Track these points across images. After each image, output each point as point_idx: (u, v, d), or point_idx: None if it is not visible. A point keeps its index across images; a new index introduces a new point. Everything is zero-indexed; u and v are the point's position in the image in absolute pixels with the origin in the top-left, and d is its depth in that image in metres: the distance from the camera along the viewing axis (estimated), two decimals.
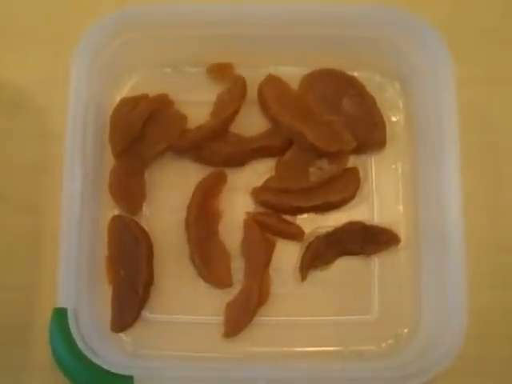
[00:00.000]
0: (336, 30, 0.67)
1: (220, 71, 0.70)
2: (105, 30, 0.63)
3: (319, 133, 0.66)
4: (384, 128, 0.68)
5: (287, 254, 0.66)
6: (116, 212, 0.67)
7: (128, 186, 0.67)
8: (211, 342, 0.64)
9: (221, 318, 0.64)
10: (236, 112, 0.68)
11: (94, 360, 0.56)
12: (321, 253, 0.66)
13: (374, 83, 0.70)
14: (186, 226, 0.66)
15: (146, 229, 0.66)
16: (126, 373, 0.56)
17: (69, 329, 0.57)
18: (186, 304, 0.66)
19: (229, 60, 0.69)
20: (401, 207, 0.67)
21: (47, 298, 0.63)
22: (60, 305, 0.57)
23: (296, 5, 0.66)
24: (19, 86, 0.72)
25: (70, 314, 0.57)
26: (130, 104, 0.68)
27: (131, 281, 0.64)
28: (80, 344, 0.56)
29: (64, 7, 0.74)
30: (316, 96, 0.69)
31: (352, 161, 0.67)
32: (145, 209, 0.68)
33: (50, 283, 0.61)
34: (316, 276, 0.65)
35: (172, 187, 0.68)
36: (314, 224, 0.66)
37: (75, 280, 0.58)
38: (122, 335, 0.64)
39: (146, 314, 0.65)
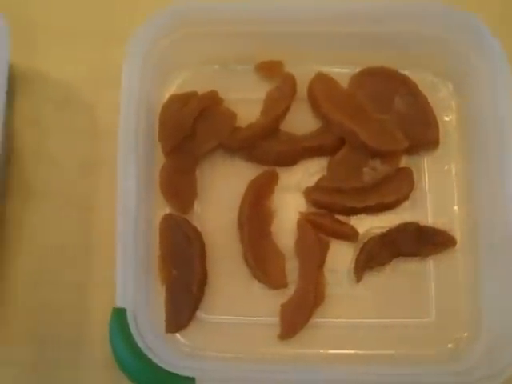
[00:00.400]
0: (388, 28, 0.66)
1: (269, 69, 0.70)
2: (155, 28, 0.63)
3: (371, 131, 0.65)
4: (437, 127, 0.67)
5: (341, 255, 0.64)
6: (167, 211, 0.66)
7: (179, 184, 0.66)
8: (266, 343, 0.64)
9: (275, 319, 0.64)
10: (286, 110, 0.67)
11: (157, 361, 0.55)
12: (375, 254, 0.65)
13: (427, 83, 0.69)
14: (238, 225, 0.65)
15: (198, 227, 0.65)
16: (189, 374, 0.55)
17: (128, 328, 0.56)
18: (239, 304, 0.65)
19: (277, 58, 0.69)
20: (456, 208, 0.67)
21: (103, 297, 0.63)
22: (118, 305, 0.57)
23: (348, 1, 0.66)
24: (68, 83, 0.71)
25: (129, 315, 0.56)
26: (179, 101, 0.67)
27: (185, 280, 0.63)
28: (141, 345, 0.56)
29: (113, 3, 0.74)
30: (367, 94, 0.69)
31: (404, 161, 0.66)
32: (196, 207, 0.67)
33: (105, 281, 0.62)
34: (371, 277, 0.64)
35: (222, 186, 0.68)
36: (367, 225, 0.65)
37: (133, 280, 0.58)
38: (177, 335, 0.63)
39: (200, 314, 0.64)
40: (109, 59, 0.70)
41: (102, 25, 0.73)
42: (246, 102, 0.69)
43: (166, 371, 0.55)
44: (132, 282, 0.57)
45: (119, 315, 0.56)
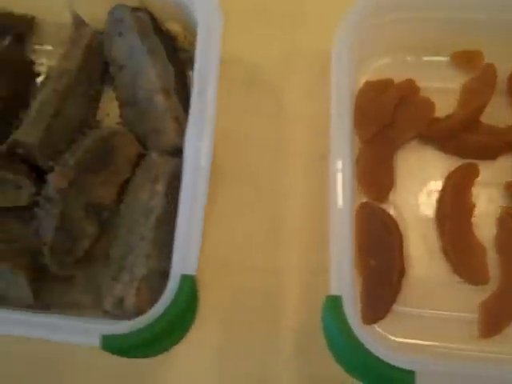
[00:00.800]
0: None
1: (468, 59, 0.69)
2: (361, 14, 0.62)
3: None
4: None
5: None
6: (363, 199, 0.65)
7: (376, 172, 0.65)
8: (463, 339, 0.62)
9: (472, 316, 0.63)
10: (487, 102, 0.66)
11: (377, 353, 0.54)
12: None
13: None
14: (438, 218, 0.65)
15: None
16: (408, 367, 0.53)
17: (344, 317, 0.55)
18: (436, 298, 0.63)
19: (472, 48, 0.68)
20: None
21: (292, 283, 0.65)
22: (333, 292, 0.55)
23: None
24: (254, 65, 0.71)
25: (346, 303, 0.55)
26: (375, 88, 0.67)
27: (383, 271, 0.62)
28: (359, 335, 0.54)
29: None
30: None
31: None
32: (391, 196, 0.66)
33: (296, 267, 0.64)
34: None
35: (418, 176, 0.67)
36: None
37: (348, 268, 0.56)
38: (374, 326, 0.62)
39: (396, 306, 0.63)
40: (296, 43, 0.71)
41: (287, 9, 0.74)
42: (440, 91, 0.68)
43: (383, 362, 0.54)
44: (347, 270, 0.56)
45: (333, 303, 0.55)
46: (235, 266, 0.65)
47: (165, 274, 0.56)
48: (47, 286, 0.60)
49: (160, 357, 0.54)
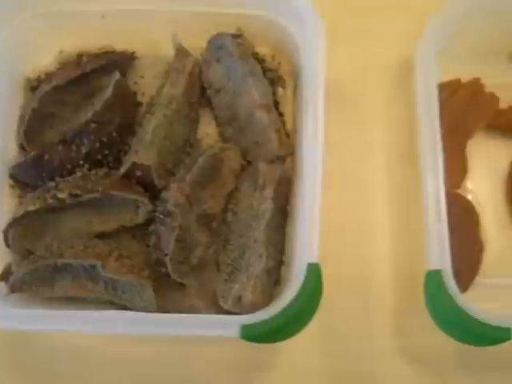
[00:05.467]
0: None
1: None
2: (445, 20, 0.71)
3: None
4: None
5: None
6: None
7: (452, 162, 0.71)
8: None
9: None
10: None
11: (477, 316, 0.61)
12: None
13: None
14: (508, 197, 0.74)
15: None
16: (505, 325, 0.59)
17: (445, 289, 0.62)
18: None
19: None
20: None
21: (383, 268, 0.73)
22: (433, 267, 0.61)
23: None
24: (337, 80, 0.77)
25: (446, 275, 0.62)
26: (447, 88, 0.75)
27: (466, 249, 0.70)
28: (463, 302, 0.61)
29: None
30: None
31: None
32: (465, 183, 0.74)
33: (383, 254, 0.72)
34: None
35: (487, 162, 0.76)
36: None
37: (443, 245, 0.63)
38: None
39: (478, 278, 0.70)
40: (370, 58, 0.80)
41: (360, 26, 0.82)
42: (502, 86, 0.76)
43: (484, 324, 0.59)
44: (444, 247, 0.62)
45: (436, 276, 0.61)
46: (334, 257, 0.70)
47: (271, 272, 0.66)
48: (165, 294, 0.66)
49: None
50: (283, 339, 0.60)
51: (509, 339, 0.58)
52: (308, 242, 0.60)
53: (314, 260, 0.59)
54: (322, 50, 0.65)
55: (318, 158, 0.62)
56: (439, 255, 0.61)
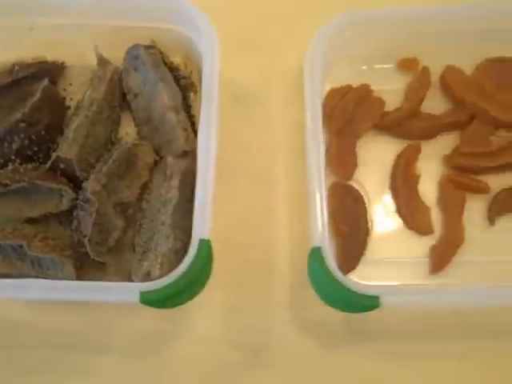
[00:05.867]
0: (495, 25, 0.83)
1: (408, 65, 0.88)
2: (327, 35, 0.81)
3: (498, 108, 0.82)
4: None
5: (476, 205, 0.80)
6: (332, 179, 0.82)
7: (343, 157, 0.83)
8: (417, 277, 0.79)
9: (423, 260, 0.78)
10: (424, 96, 0.84)
11: (350, 286, 0.68)
12: (504, 203, 0.81)
13: None
14: (392, 186, 0.83)
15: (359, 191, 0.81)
16: (374, 293, 0.66)
17: (324, 263, 0.69)
18: (394, 249, 0.79)
19: (411, 56, 0.88)
20: None
21: (281, 248, 0.82)
22: (315, 244, 0.68)
23: (467, 5, 0.83)
24: (242, 83, 0.90)
25: (325, 251, 0.70)
26: (338, 93, 0.85)
27: (354, 233, 0.80)
28: (336, 274, 0.69)
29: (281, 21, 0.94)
30: (488, 79, 0.86)
31: None
32: (355, 175, 0.84)
33: (284, 237, 0.81)
34: (502, 221, 0.80)
35: (375, 157, 0.84)
36: (495, 181, 0.80)
37: (323, 226, 0.72)
38: (348, 275, 0.77)
39: (364, 258, 0.78)
40: (275, 62, 0.91)
41: (266, 35, 0.93)
42: (388, 91, 0.87)
43: (355, 293, 0.66)
44: (324, 228, 0.69)
45: (317, 252, 0.68)
46: (237, 241, 0.80)
47: (179, 252, 0.74)
48: (85, 272, 0.73)
49: (177, 310, 0.68)
50: (178, 304, 0.68)
51: (378, 306, 0.65)
52: (200, 222, 0.67)
53: (205, 237, 0.66)
54: (214, 54, 0.75)
55: (211, 150, 0.71)
56: (319, 234, 0.68)
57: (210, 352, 0.75)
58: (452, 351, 0.75)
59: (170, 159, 0.79)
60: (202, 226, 0.67)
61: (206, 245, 0.67)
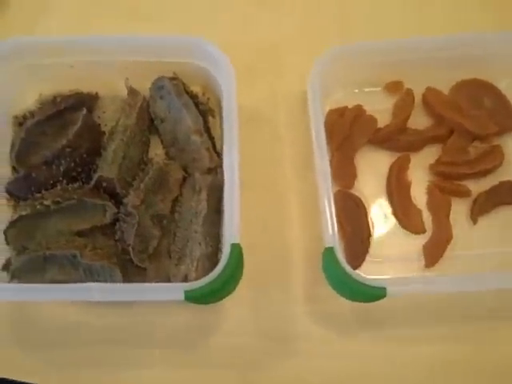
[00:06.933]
0: (466, 52, 0.95)
1: (394, 87, 1.00)
2: (324, 64, 0.91)
3: (473, 123, 0.94)
4: None
5: (460, 207, 0.90)
6: (335, 188, 0.92)
7: (344, 169, 0.94)
8: (414, 271, 0.88)
9: (417, 255, 0.88)
10: (410, 114, 0.96)
11: (361, 279, 0.75)
12: (484, 204, 0.90)
13: (504, 86, 0.96)
14: (387, 192, 0.93)
15: (360, 197, 0.93)
16: (382, 285, 0.74)
17: (337, 260, 0.76)
18: (393, 247, 0.88)
19: (396, 79, 0.99)
20: None
21: (300, 246, 0.91)
22: (328, 245, 0.76)
23: (438, 36, 0.95)
24: (252, 107, 1.00)
25: (337, 251, 0.76)
26: (336, 113, 0.97)
27: (357, 234, 0.90)
28: (348, 270, 0.75)
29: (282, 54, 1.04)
30: (463, 98, 0.98)
31: (496, 140, 0.94)
32: (356, 184, 0.93)
33: (298, 240, 0.92)
34: (483, 220, 0.90)
35: (371, 168, 0.93)
36: (476, 185, 0.91)
37: (333, 229, 0.78)
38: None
39: (368, 256, 0.87)
40: (279, 88, 1.02)
41: (271, 66, 1.05)
42: (379, 111, 0.98)
43: (366, 285, 0.74)
44: (334, 230, 0.77)
45: (330, 252, 0.76)
46: (258, 244, 0.87)
47: (211, 257, 0.84)
48: (130, 276, 0.81)
49: (212, 307, 0.78)
50: (217, 301, 0.76)
51: (385, 296, 0.73)
52: (231, 228, 0.74)
53: (235, 241, 0.73)
54: (233, 86, 0.82)
55: (235, 168, 0.78)
56: (331, 236, 0.76)
57: (242, 342, 0.83)
58: (447, 334, 0.84)
59: (197, 175, 0.89)
60: (233, 232, 0.74)
61: (236, 248, 0.74)
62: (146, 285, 0.79)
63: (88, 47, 0.88)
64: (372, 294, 0.75)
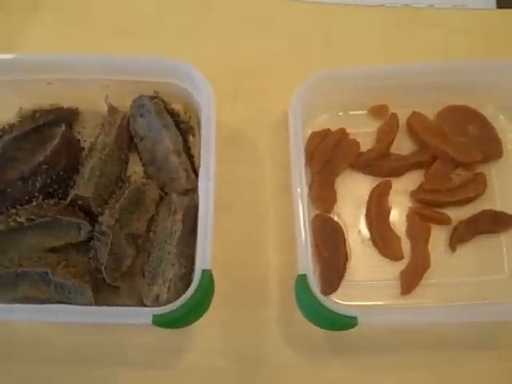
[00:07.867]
0: (454, 79, 0.95)
1: (378, 111, 0.99)
2: (306, 91, 0.90)
3: (456, 150, 0.94)
4: (500, 144, 0.93)
5: (440, 235, 0.90)
6: (315, 212, 0.93)
7: (324, 193, 0.93)
8: (390, 298, 0.90)
9: (395, 282, 0.88)
10: (393, 139, 0.95)
11: (332, 307, 0.75)
12: (464, 232, 0.92)
13: (489, 113, 0.98)
14: (367, 218, 0.93)
15: (339, 222, 0.93)
16: (353, 315, 0.74)
17: (309, 288, 0.79)
18: (370, 273, 0.88)
19: (381, 103, 0.99)
20: None
21: (276, 268, 0.92)
22: (301, 272, 0.76)
23: (429, 63, 0.96)
24: (235, 127, 1.01)
25: (310, 278, 0.76)
26: (318, 136, 0.96)
27: (334, 259, 0.90)
28: (320, 297, 0.75)
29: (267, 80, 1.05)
30: (448, 125, 0.97)
31: (479, 168, 0.92)
32: (335, 208, 0.95)
33: (274, 260, 0.92)
34: (462, 249, 0.90)
35: (351, 193, 0.95)
36: (456, 213, 0.90)
37: (307, 255, 0.81)
38: (330, 296, 0.89)
39: (343, 281, 0.87)
40: (263, 109, 1.01)
41: (254, 88, 1.04)
42: (362, 134, 0.98)
43: (336, 314, 0.74)
44: (308, 257, 0.76)
45: (303, 279, 0.76)
46: (233, 266, 0.88)
47: (184, 278, 0.84)
48: (102, 295, 0.81)
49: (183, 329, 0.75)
50: (185, 325, 0.76)
51: (356, 325, 0.73)
52: (202, 253, 0.75)
53: (206, 267, 0.74)
54: (212, 110, 0.82)
55: (210, 192, 0.78)
56: (305, 263, 0.76)
57: (212, 363, 0.85)
58: (419, 362, 0.84)
59: (174, 196, 0.89)
60: (204, 258, 0.75)
61: (207, 274, 0.74)
62: (114, 308, 0.78)
63: (66, 65, 0.90)
64: (343, 322, 0.74)
